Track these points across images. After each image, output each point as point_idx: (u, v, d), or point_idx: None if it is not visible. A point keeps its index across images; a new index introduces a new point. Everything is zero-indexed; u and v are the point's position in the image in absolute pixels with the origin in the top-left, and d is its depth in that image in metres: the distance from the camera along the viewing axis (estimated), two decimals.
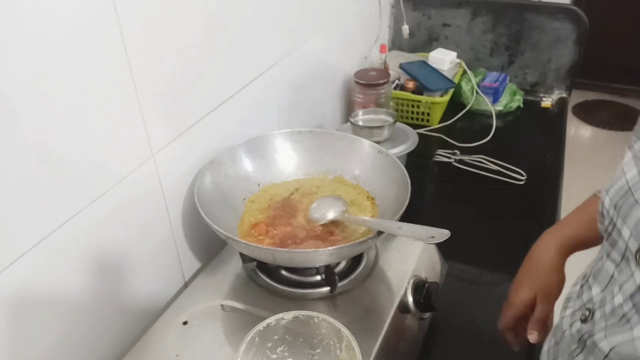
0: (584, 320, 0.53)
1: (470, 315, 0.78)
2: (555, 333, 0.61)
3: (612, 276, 0.50)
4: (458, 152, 1.16)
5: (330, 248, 0.60)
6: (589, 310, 0.53)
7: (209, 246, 0.80)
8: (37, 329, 0.54)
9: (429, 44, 1.49)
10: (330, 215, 0.72)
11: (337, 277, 0.67)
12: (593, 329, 0.50)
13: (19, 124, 0.47)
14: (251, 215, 0.75)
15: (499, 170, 1.10)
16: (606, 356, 0.47)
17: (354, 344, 0.50)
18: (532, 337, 0.67)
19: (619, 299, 0.47)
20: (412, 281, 0.69)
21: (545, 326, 0.69)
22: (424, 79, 1.28)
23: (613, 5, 3.08)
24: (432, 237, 0.57)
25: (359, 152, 0.81)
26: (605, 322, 0.49)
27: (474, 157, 1.14)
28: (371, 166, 0.79)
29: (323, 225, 0.72)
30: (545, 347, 0.64)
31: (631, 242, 0.46)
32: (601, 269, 0.53)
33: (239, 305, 0.66)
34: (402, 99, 1.28)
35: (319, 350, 0.54)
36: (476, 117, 1.34)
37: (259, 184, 0.80)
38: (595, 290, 0.53)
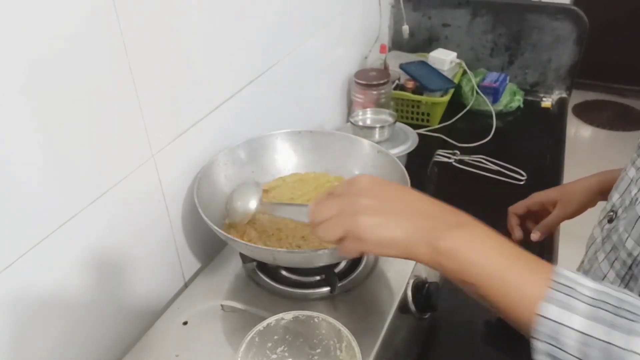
0: (610, 221, 0.60)
1: (470, 315, 0.78)
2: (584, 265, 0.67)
3: (631, 180, 0.58)
4: (458, 152, 1.16)
5: (330, 248, 0.60)
6: (613, 211, 0.60)
7: (209, 246, 0.80)
8: (37, 329, 0.54)
9: (429, 44, 1.49)
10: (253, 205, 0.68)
11: (337, 277, 0.67)
12: (618, 224, 0.57)
13: (19, 124, 0.47)
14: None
15: (499, 171, 1.11)
16: (630, 254, 0.53)
17: (354, 344, 0.50)
18: (535, 235, 0.79)
19: (634, 191, 0.56)
20: (412, 281, 0.69)
21: (549, 232, 0.80)
22: (424, 79, 1.28)
23: (613, 5, 3.08)
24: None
25: (359, 152, 0.81)
26: (627, 214, 0.56)
27: (474, 157, 1.14)
28: (371, 166, 0.79)
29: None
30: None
31: None
32: (621, 180, 0.60)
33: (239, 305, 0.66)
34: (402, 99, 1.28)
35: (319, 351, 0.54)
36: (476, 117, 1.34)
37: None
38: (615, 197, 0.61)
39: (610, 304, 0.38)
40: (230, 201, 0.70)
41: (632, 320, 0.37)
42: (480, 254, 0.44)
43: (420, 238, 0.45)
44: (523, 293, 0.41)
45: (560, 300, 0.39)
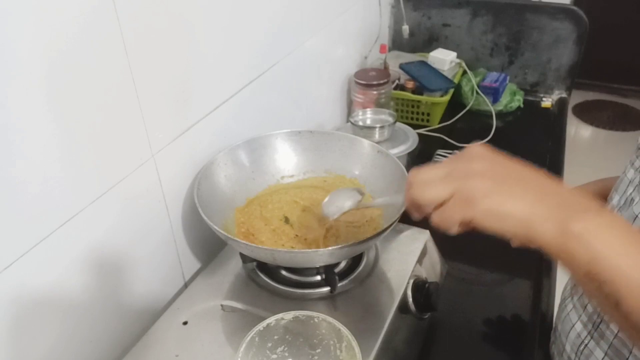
0: None
1: (470, 315, 0.78)
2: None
3: (630, 181, 0.56)
4: (458, 152, 1.16)
5: (330, 248, 0.60)
6: None
7: (209, 246, 0.80)
8: (37, 329, 0.54)
9: (429, 44, 1.49)
10: (347, 205, 0.68)
11: (337, 277, 0.67)
12: None
13: (19, 125, 0.47)
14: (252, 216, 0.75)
15: None
16: None
17: (354, 344, 0.50)
18: None
19: (629, 191, 0.53)
20: (412, 281, 0.69)
21: None
22: (424, 79, 1.28)
23: (613, 5, 3.08)
24: None
25: (359, 152, 0.81)
26: (623, 214, 0.54)
27: None
28: (371, 166, 0.79)
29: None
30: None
31: None
32: (620, 182, 0.59)
33: (239, 305, 0.66)
34: (402, 99, 1.28)
35: (319, 350, 0.54)
36: (476, 117, 1.34)
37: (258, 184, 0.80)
38: (616, 198, 0.58)
39: None
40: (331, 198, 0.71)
41: None
42: (619, 246, 0.36)
43: (548, 214, 0.38)
44: None
45: None
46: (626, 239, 0.37)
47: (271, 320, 0.52)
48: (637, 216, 0.53)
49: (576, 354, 0.62)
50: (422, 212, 0.44)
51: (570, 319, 0.64)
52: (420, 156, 1.07)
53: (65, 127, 0.52)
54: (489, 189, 0.39)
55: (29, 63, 0.47)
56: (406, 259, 0.72)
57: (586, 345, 0.60)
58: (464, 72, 1.40)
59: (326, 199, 0.71)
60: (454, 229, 0.43)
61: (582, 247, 0.37)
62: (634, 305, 0.34)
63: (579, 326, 0.62)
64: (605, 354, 0.57)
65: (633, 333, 0.36)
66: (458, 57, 1.39)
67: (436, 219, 0.42)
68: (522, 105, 1.39)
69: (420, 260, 0.73)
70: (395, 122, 1.00)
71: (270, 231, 0.72)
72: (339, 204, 0.69)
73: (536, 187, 0.40)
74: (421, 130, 1.22)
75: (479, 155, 0.43)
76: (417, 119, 1.30)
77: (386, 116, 1.02)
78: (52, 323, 0.56)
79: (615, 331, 0.56)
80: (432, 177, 0.42)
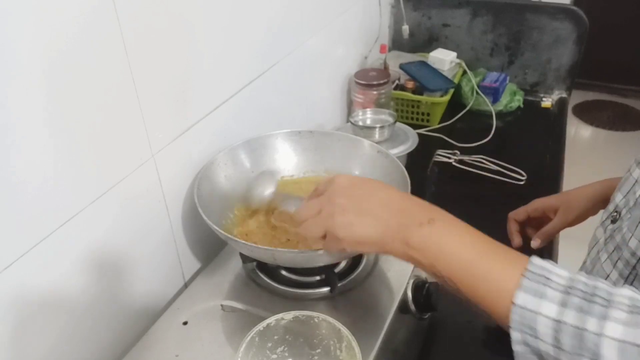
0: (613, 221, 0.60)
1: (470, 315, 0.78)
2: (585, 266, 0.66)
3: (636, 180, 0.58)
4: (458, 152, 1.16)
5: (315, 248, 0.60)
6: (617, 212, 0.60)
7: (209, 246, 0.80)
8: (37, 329, 0.54)
9: (429, 44, 1.49)
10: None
11: (337, 277, 0.67)
12: (622, 225, 0.57)
13: (19, 125, 0.47)
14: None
15: (499, 171, 1.11)
16: (633, 253, 0.53)
17: (354, 344, 0.50)
18: (535, 243, 0.79)
19: (638, 191, 0.56)
20: (412, 281, 0.69)
21: (549, 239, 0.80)
22: (424, 79, 1.28)
23: (613, 5, 3.09)
24: None
25: (359, 152, 0.81)
26: (630, 214, 0.56)
27: (474, 157, 1.14)
28: (371, 166, 0.79)
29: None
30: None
31: None
32: (625, 181, 0.61)
33: (239, 305, 0.66)
34: (402, 99, 1.28)
35: (319, 351, 0.54)
36: (476, 117, 1.34)
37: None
38: (619, 197, 0.61)
39: (583, 291, 0.38)
40: (249, 187, 0.73)
41: (605, 307, 0.37)
42: (450, 247, 0.45)
43: (392, 235, 0.47)
44: (498, 284, 0.42)
45: (535, 289, 0.39)
46: (459, 240, 0.45)
47: (271, 320, 0.52)
48: None
49: None
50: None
51: (602, 226, 0.65)
52: (420, 156, 1.07)
53: (65, 127, 0.52)
54: (350, 223, 0.49)
55: (29, 63, 0.47)
56: None
57: None
58: (464, 72, 1.40)
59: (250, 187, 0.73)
60: (318, 242, 0.54)
61: (422, 256, 0.46)
62: (471, 291, 0.44)
63: (609, 227, 0.63)
64: None
65: (480, 308, 0.44)
66: (458, 57, 1.39)
67: (323, 249, 0.54)
68: (522, 105, 1.39)
69: None
70: (395, 122, 1.00)
71: (262, 234, 0.72)
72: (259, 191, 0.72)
73: (387, 210, 0.49)
74: (421, 130, 1.23)
75: (342, 188, 0.51)
76: (417, 119, 1.30)
77: (386, 116, 1.02)
78: (52, 323, 0.56)
79: None
80: (309, 215, 0.52)
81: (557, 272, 0.40)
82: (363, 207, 0.49)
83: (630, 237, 0.53)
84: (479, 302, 0.44)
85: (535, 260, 0.41)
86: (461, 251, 0.45)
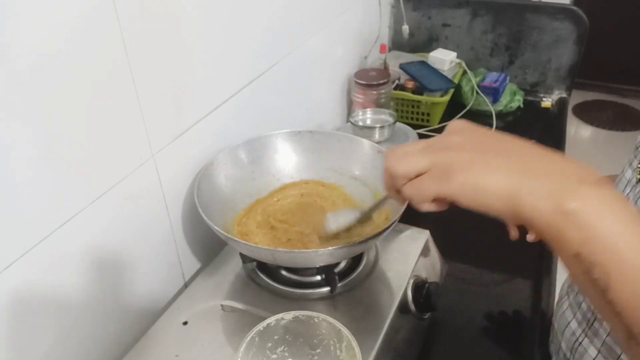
0: None
1: (470, 315, 0.78)
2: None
3: (628, 181, 0.56)
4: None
5: (330, 248, 0.60)
6: None
7: (209, 246, 0.80)
8: (37, 329, 0.54)
9: (429, 44, 1.49)
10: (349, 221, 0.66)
11: (337, 277, 0.67)
12: None
13: (19, 125, 0.47)
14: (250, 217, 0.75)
15: None
16: None
17: (354, 344, 0.50)
18: (531, 236, 0.73)
19: (627, 191, 0.53)
20: (412, 281, 0.69)
21: None
22: (424, 79, 1.28)
23: (613, 5, 3.09)
24: None
25: (359, 152, 0.81)
26: None
27: None
28: (371, 166, 0.79)
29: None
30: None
31: None
32: (618, 182, 0.59)
33: (239, 305, 0.66)
34: (402, 99, 1.28)
35: (319, 351, 0.54)
36: (476, 117, 1.34)
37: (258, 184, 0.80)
38: None
39: None
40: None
41: None
42: (617, 225, 0.31)
43: (537, 187, 0.33)
44: None
45: None
46: (625, 217, 0.32)
47: (271, 320, 0.52)
48: None
49: (571, 351, 0.62)
50: (397, 187, 0.41)
51: (566, 317, 0.64)
52: None
53: (65, 127, 0.52)
54: (468, 162, 0.36)
55: (29, 63, 0.47)
56: (406, 259, 0.72)
57: (580, 343, 0.60)
58: (464, 72, 1.40)
59: (329, 218, 0.69)
60: (426, 205, 0.41)
61: (576, 227, 0.32)
62: (622, 291, 0.30)
63: (573, 324, 0.62)
64: (599, 351, 0.57)
65: (615, 322, 0.31)
66: (458, 57, 1.39)
67: (408, 191, 0.39)
68: (522, 105, 1.39)
69: (420, 260, 0.73)
70: (395, 122, 1.00)
71: (262, 234, 0.72)
72: (340, 222, 0.67)
73: (523, 157, 0.36)
74: (421, 130, 1.23)
75: (459, 129, 0.40)
76: (417, 119, 1.30)
77: (386, 116, 1.02)
78: (51, 323, 0.56)
79: (608, 329, 0.56)
80: (409, 150, 0.40)
81: None
82: (495, 148, 0.37)
83: None
84: (629, 315, 0.30)
85: None
86: (631, 234, 0.31)
